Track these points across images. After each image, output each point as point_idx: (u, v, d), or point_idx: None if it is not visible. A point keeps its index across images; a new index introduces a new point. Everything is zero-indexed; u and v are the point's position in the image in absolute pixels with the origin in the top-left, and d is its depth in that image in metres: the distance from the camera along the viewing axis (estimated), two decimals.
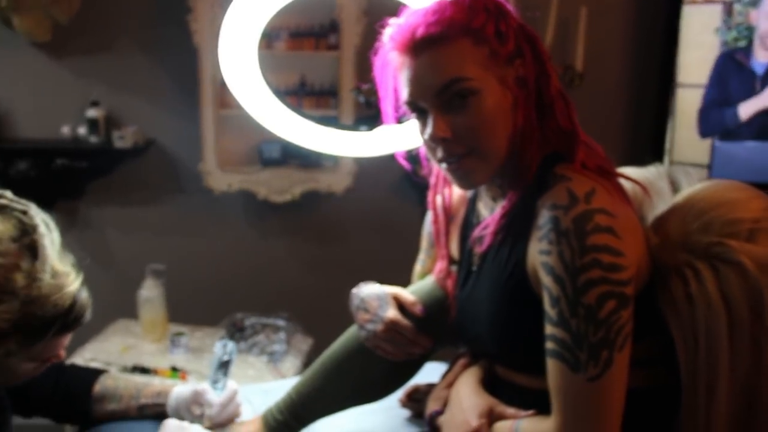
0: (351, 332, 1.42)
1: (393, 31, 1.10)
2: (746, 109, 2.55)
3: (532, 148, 1.10)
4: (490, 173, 1.12)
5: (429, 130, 1.09)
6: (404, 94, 1.11)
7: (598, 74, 2.84)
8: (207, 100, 2.80)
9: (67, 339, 1.17)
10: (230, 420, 1.47)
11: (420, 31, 1.05)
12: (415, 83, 1.09)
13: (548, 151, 1.11)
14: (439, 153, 1.11)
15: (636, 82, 2.94)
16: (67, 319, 1.11)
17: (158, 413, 1.50)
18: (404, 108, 1.15)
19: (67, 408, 1.50)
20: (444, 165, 1.13)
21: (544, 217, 1.03)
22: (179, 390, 1.49)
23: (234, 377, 1.54)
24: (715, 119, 2.61)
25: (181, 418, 1.43)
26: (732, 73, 2.58)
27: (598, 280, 0.98)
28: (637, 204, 1.19)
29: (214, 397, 1.45)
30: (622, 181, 1.14)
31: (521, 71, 1.08)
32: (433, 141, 1.10)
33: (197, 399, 1.45)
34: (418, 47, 1.06)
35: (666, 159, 2.75)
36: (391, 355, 1.34)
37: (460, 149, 1.09)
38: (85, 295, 1.15)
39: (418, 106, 1.11)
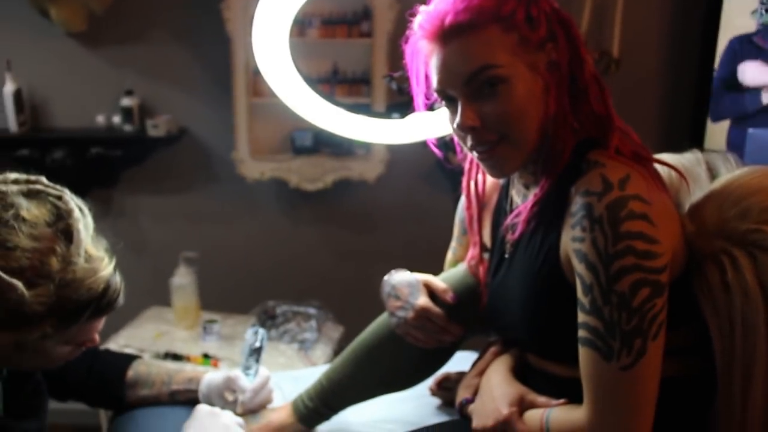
0: (382, 319, 1.42)
1: (422, 18, 1.09)
2: None
3: (565, 134, 1.08)
4: (522, 161, 1.11)
5: (458, 118, 1.09)
6: (434, 81, 1.11)
7: (635, 60, 2.79)
8: (240, 88, 2.80)
9: (100, 323, 1.18)
10: (262, 406, 1.48)
11: (449, 19, 1.04)
12: (444, 71, 1.08)
13: (582, 137, 1.10)
14: (469, 141, 1.11)
15: (674, 69, 2.87)
16: (100, 303, 1.11)
17: (190, 399, 1.51)
18: (435, 95, 1.14)
19: (101, 392, 1.52)
20: (475, 153, 1.12)
21: (577, 204, 1.02)
22: (210, 377, 1.51)
23: (265, 365, 1.55)
24: (730, 103, 2.56)
25: (212, 404, 1.44)
26: (749, 57, 2.51)
27: (631, 267, 0.97)
28: (674, 191, 1.17)
29: (247, 383, 1.46)
30: (659, 168, 1.12)
31: (553, 56, 1.07)
32: (462, 130, 1.09)
33: (229, 385, 1.46)
34: (446, 35, 1.05)
35: (705, 146, 2.70)
36: (421, 343, 1.33)
37: (490, 137, 1.08)
38: (118, 280, 1.16)
39: (447, 94, 1.10)
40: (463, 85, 1.07)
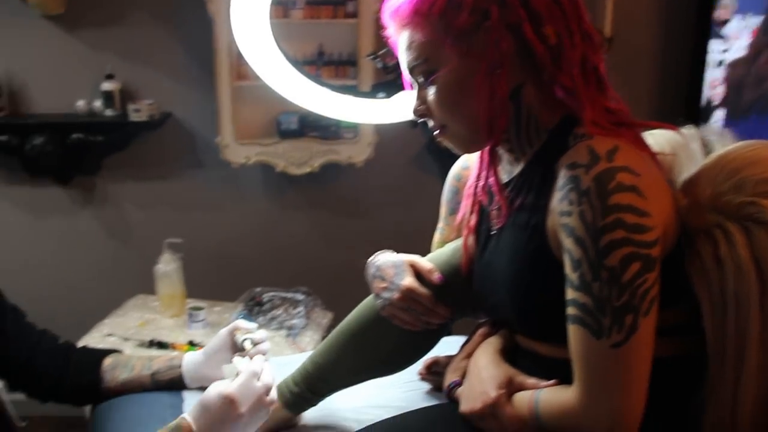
0: (367, 302, 1.38)
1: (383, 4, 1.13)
2: None
3: (541, 109, 1.08)
4: (474, 145, 1.15)
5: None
6: None
7: (628, 38, 2.75)
8: (223, 71, 2.76)
9: None
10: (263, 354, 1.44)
11: (393, 10, 1.10)
12: (400, 57, 1.13)
13: (564, 112, 1.07)
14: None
15: (668, 47, 2.84)
16: None
17: (172, 379, 1.50)
18: None
19: (78, 382, 1.49)
20: None
21: (563, 178, 0.99)
22: (191, 354, 1.52)
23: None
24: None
25: (198, 380, 1.48)
26: None
27: (621, 241, 0.94)
28: (668, 167, 1.13)
29: (251, 324, 1.46)
30: (651, 144, 1.09)
31: (495, 33, 1.03)
32: (414, 115, 1.15)
33: (237, 327, 1.45)
34: (396, 24, 1.11)
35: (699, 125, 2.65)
36: (408, 325, 1.30)
37: (435, 123, 1.13)
38: None
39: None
40: (410, 73, 1.13)
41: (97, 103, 2.86)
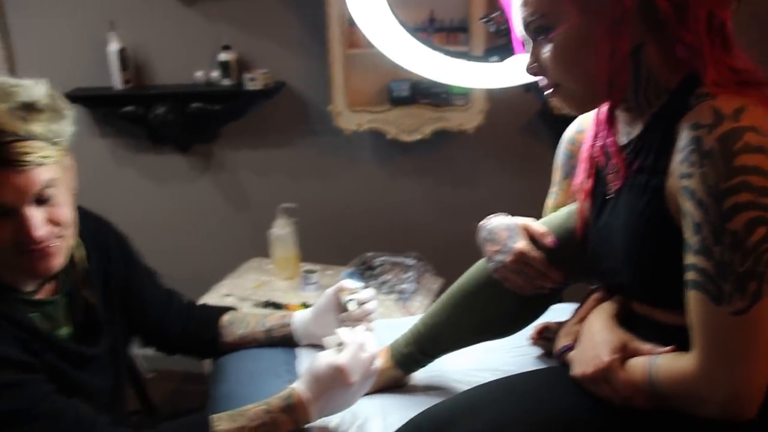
0: (479, 265, 1.38)
1: None
2: None
3: (661, 67, 1.03)
4: (589, 104, 1.12)
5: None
6: None
7: None
8: (335, 39, 2.78)
9: (20, 193, 1.13)
10: (368, 315, 1.49)
11: None
12: (515, 15, 1.10)
13: (685, 72, 1.02)
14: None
15: None
16: None
17: (284, 336, 1.58)
18: None
19: (199, 337, 1.58)
20: None
21: (685, 139, 0.95)
22: (301, 313, 1.59)
23: None
24: None
25: (307, 336, 1.56)
26: None
27: (746, 204, 0.89)
28: None
29: (357, 283, 1.51)
30: None
31: None
32: (527, 72, 1.12)
33: (342, 288, 1.50)
34: None
35: None
36: (520, 288, 1.29)
37: (548, 82, 1.10)
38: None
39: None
40: (524, 30, 1.09)
41: (215, 74, 2.96)
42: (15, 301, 1.21)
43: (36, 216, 1.14)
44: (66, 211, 1.21)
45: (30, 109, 1.13)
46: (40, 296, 1.28)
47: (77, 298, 1.34)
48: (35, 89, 1.16)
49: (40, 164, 1.13)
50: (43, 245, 1.16)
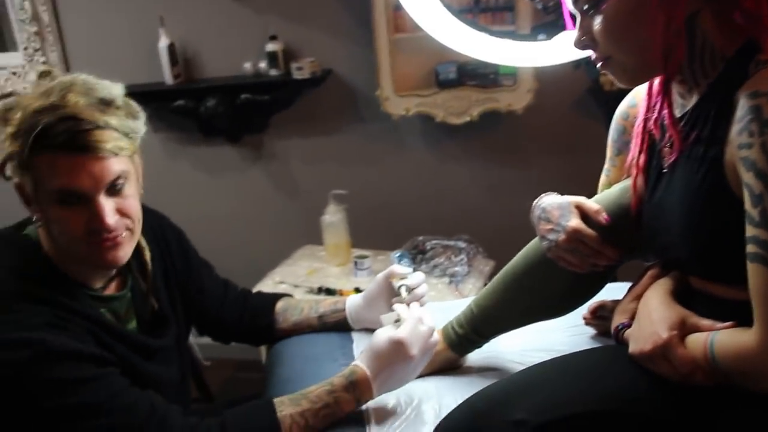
0: (533, 245, 1.37)
1: None
2: None
3: (717, 35, 1.00)
4: (641, 76, 1.11)
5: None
6: None
7: None
8: (381, 25, 2.77)
9: (78, 177, 1.15)
10: (419, 299, 1.49)
11: None
12: None
13: (743, 39, 0.99)
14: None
15: None
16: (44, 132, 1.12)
17: (338, 321, 1.60)
18: None
19: (254, 324, 1.61)
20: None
21: (743, 108, 0.93)
22: (353, 297, 1.60)
23: None
24: None
25: (360, 321, 1.58)
26: None
27: None
28: None
29: (405, 269, 1.52)
30: None
31: None
32: (575, 46, 1.10)
33: (392, 273, 1.51)
34: None
35: None
36: (574, 267, 1.27)
37: (598, 55, 1.08)
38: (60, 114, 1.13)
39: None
40: (573, 3, 1.08)
41: (262, 64, 2.98)
42: (86, 297, 1.25)
43: (108, 205, 1.18)
44: (135, 204, 1.25)
45: (108, 104, 1.18)
46: (108, 292, 1.31)
47: (140, 292, 1.37)
48: (113, 88, 1.21)
49: (116, 154, 1.17)
50: (113, 234, 1.20)
